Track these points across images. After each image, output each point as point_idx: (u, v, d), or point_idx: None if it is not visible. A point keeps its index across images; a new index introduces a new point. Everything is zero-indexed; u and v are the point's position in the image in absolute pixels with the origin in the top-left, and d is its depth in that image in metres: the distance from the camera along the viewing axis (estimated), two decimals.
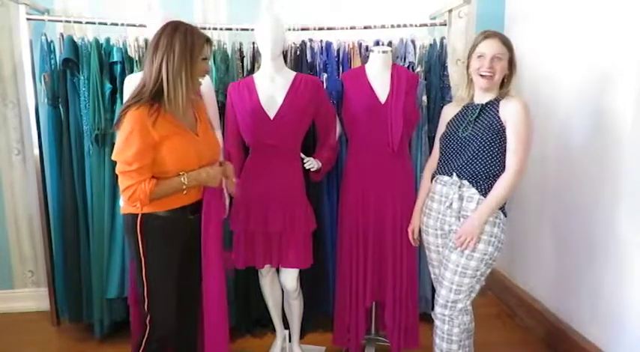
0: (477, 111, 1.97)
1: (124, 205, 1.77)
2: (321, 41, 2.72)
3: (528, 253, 2.93)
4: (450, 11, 2.77)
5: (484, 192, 1.90)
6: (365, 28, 2.70)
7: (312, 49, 2.71)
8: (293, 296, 2.38)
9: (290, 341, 2.52)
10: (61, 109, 2.60)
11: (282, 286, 2.37)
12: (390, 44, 2.67)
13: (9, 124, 2.94)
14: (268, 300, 2.46)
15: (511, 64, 1.96)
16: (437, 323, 2.02)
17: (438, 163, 2.08)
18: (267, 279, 2.40)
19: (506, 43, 1.95)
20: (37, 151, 2.72)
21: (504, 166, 1.90)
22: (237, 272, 2.52)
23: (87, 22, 2.66)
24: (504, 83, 1.98)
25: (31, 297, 3.07)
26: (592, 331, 2.36)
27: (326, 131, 2.38)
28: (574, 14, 2.45)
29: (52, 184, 2.69)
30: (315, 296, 2.70)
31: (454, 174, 1.97)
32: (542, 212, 2.76)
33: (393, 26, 2.68)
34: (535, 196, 2.84)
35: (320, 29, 2.71)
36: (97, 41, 2.53)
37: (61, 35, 2.62)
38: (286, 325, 2.53)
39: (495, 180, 1.90)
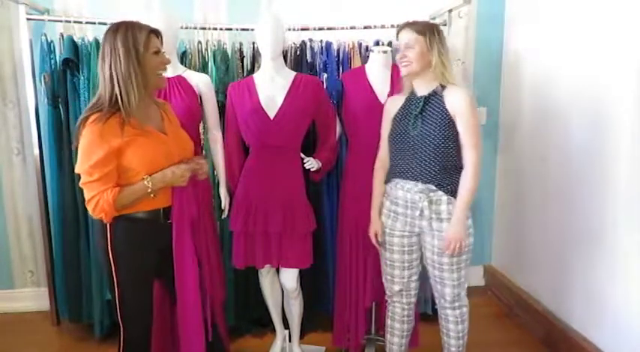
0: (421, 103, 1.94)
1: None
2: (321, 41, 2.72)
3: (528, 253, 2.93)
4: (450, 11, 2.78)
5: (450, 192, 1.91)
6: (365, 28, 2.70)
7: (312, 49, 2.72)
8: (293, 296, 2.38)
9: (290, 341, 2.53)
10: (61, 109, 2.60)
11: (282, 286, 2.38)
12: (390, 44, 2.67)
13: (9, 124, 2.93)
14: (268, 300, 2.46)
15: (433, 50, 1.90)
16: (448, 312, 2.06)
17: (394, 165, 2.04)
18: (267, 279, 2.40)
19: (418, 30, 1.91)
20: (37, 151, 2.72)
21: (459, 159, 1.90)
22: (236, 272, 2.53)
23: (87, 22, 2.66)
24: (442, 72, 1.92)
25: (31, 297, 3.07)
26: (591, 331, 2.36)
27: (326, 131, 2.38)
28: (574, 14, 2.45)
29: (52, 184, 2.69)
30: (315, 296, 2.70)
31: (419, 181, 1.94)
32: (542, 212, 2.76)
33: (393, 26, 2.67)
34: (535, 196, 2.84)
35: (320, 29, 2.71)
36: (97, 41, 2.53)
37: (61, 35, 2.62)
38: (286, 325, 2.53)
39: (454, 176, 1.91)
